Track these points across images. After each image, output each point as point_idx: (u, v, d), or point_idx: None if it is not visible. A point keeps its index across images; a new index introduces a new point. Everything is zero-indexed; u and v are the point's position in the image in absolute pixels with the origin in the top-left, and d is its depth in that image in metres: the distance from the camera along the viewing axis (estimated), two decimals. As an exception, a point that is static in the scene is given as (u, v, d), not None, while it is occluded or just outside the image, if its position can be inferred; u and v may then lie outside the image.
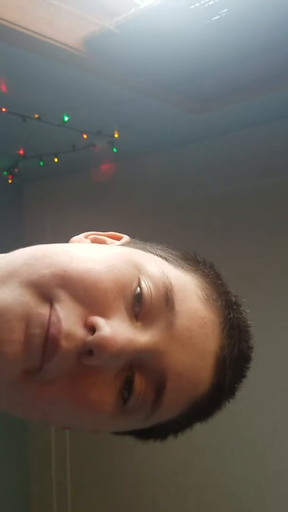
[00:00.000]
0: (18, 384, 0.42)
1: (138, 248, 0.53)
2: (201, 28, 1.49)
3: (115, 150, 2.25)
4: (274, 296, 2.23)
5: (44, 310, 0.42)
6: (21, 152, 2.37)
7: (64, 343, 0.41)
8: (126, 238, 0.57)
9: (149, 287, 0.46)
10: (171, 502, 2.57)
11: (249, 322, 0.53)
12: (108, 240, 0.56)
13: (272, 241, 2.29)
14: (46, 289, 0.43)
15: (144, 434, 0.53)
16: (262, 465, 2.29)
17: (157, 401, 0.46)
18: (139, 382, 0.46)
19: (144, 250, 0.53)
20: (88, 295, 0.44)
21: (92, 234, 0.57)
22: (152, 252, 0.52)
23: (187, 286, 0.49)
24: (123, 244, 0.55)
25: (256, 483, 2.29)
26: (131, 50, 1.59)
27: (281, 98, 2.00)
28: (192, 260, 0.54)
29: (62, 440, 3.00)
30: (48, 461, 3.06)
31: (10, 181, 2.59)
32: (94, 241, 0.56)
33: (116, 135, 2.16)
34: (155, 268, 0.48)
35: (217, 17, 1.46)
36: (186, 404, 0.49)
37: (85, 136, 2.13)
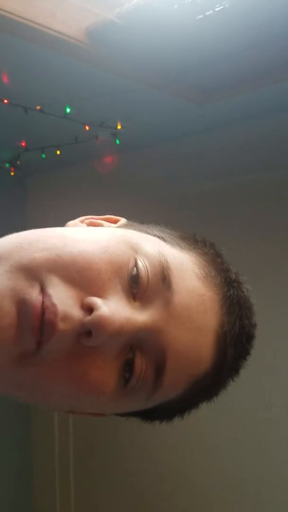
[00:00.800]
0: (17, 367, 0.42)
1: (135, 229, 0.53)
2: (204, 18, 1.48)
3: (118, 142, 2.23)
4: (276, 288, 2.23)
5: (35, 294, 0.42)
6: (23, 144, 2.36)
7: (61, 325, 0.41)
8: (123, 220, 0.57)
9: (146, 267, 0.46)
10: (173, 490, 2.58)
11: (251, 299, 0.53)
12: (105, 223, 0.56)
13: (277, 234, 2.28)
14: (37, 273, 0.43)
15: (149, 415, 0.53)
16: (264, 456, 2.29)
17: (157, 380, 0.46)
18: (139, 363, 0.46)
19: (140, 231, 0.52)
20: (82, 277, 0.43)
21: (89, 218, 0.56)
22: (148, 233, 0.52)
23: (184, 264, 0.49)
24: (120, 227, 0.55)
25: (257, 474, 2.30)
26: (133, 40, 1.58)
27: (286, 90, 1.98)
28: (190, 239, 0.54)
29: (66, 428, 3.01)
30: (51, 451, 3.08)
31: (12, 173, 2.58)
32: (91, 225, 0.55)
33: (119, 127, 2.15)
34: (151, 248, 0.48)
35: (220, 7, 1.44)
36: (188, 383, 0.48)
37: (87, 128, 2.12)
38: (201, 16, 1.48)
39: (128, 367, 0.45)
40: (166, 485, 2.61)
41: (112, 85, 1.88)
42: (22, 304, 0.41)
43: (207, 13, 1.46)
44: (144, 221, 0.57)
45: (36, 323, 0.41)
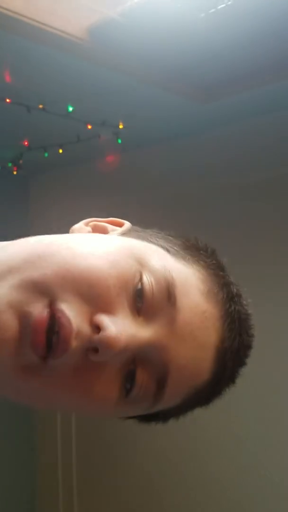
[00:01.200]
0: (21, 378, 0.43)
1: (140, 237, 0.53)
2: (206, 16, 1.48)
3: (119, 141, 2.23)
4: (276, 288, 2.23)
5: (40, 308, 0.42)
6: (26, 143, 2.36)
7: (74, 343, 0.42)
8: (127, 225, 0.57)
9: (151, 283, 0.47)
10: (176, 492, 2.58)
11: (250, 312, 0.54)
12: (109, 227, 0.56)
13: (277, 233, 2.28)
14: (47, 288, 0.43)
15: (146, 418, 0.55)
16: (265, 456, 2.29)
17: (159, 392, 0.47)
18: (141, 375, 0.47)
19: (145, 240, 0.52)
20: (91, 293, 0.44)
21: (93, 221, 0.56)
22: (153, 242, 0.52)
23: (188, 280, 0.49)
24: (124, 233, 0.55)
25: (260, 473, 2.29)
26: (135, 39, 1.58)
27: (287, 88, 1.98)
28: (193, 248, 0.54)
29: (68, 429, 3.02)
30: (54, 449, 3.08)
31: (15, 172, 2.58)
32: (95, 228, 0.56)
33: (120, 126, 2.15)
34: (157, 262, 0.48)
35: (223, 5, 1.44)
36: (187, 393, 0.50)
37: (89, 126, 2.12)
38: (203, 15, 1.47)
39: (129, 377, 0.46)
40: (168, 486, 2.61)
41: (114, 83, 1.87)
42: (24, 318, 0.42)
43: (210, 11, 1.46)
44: (148, 224, 0.56)
45: (38, 337, 0.41)
